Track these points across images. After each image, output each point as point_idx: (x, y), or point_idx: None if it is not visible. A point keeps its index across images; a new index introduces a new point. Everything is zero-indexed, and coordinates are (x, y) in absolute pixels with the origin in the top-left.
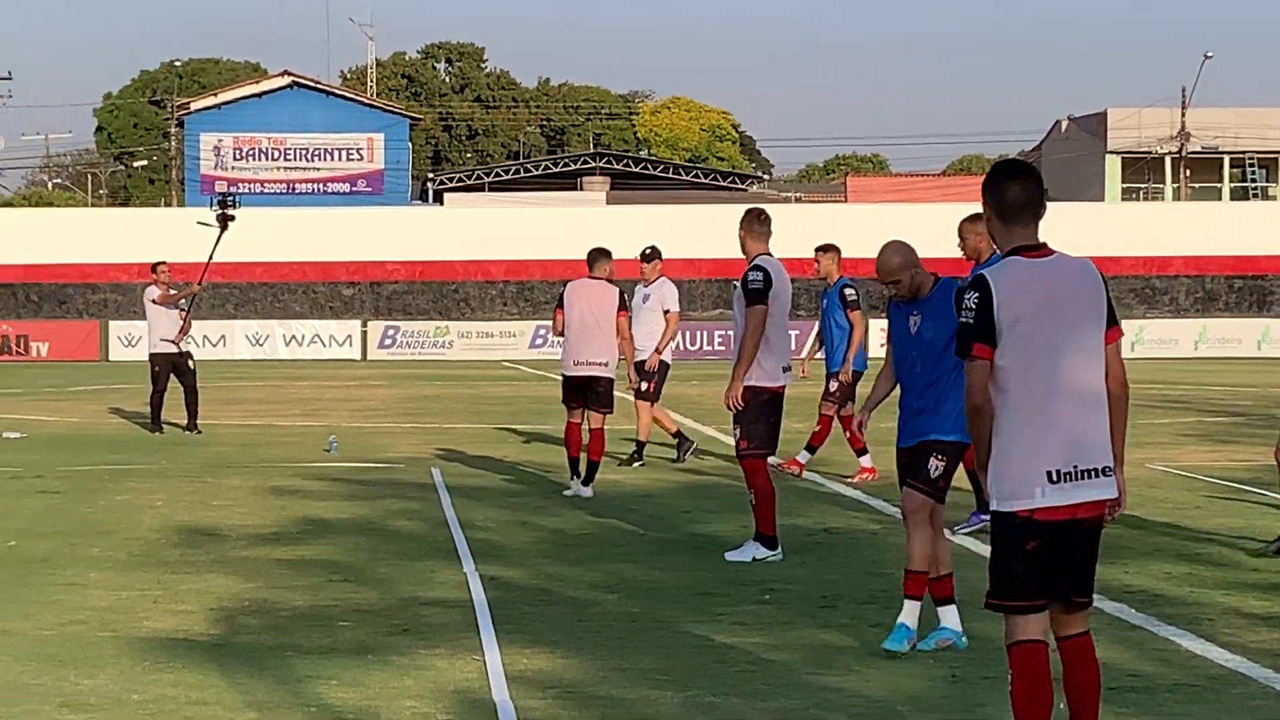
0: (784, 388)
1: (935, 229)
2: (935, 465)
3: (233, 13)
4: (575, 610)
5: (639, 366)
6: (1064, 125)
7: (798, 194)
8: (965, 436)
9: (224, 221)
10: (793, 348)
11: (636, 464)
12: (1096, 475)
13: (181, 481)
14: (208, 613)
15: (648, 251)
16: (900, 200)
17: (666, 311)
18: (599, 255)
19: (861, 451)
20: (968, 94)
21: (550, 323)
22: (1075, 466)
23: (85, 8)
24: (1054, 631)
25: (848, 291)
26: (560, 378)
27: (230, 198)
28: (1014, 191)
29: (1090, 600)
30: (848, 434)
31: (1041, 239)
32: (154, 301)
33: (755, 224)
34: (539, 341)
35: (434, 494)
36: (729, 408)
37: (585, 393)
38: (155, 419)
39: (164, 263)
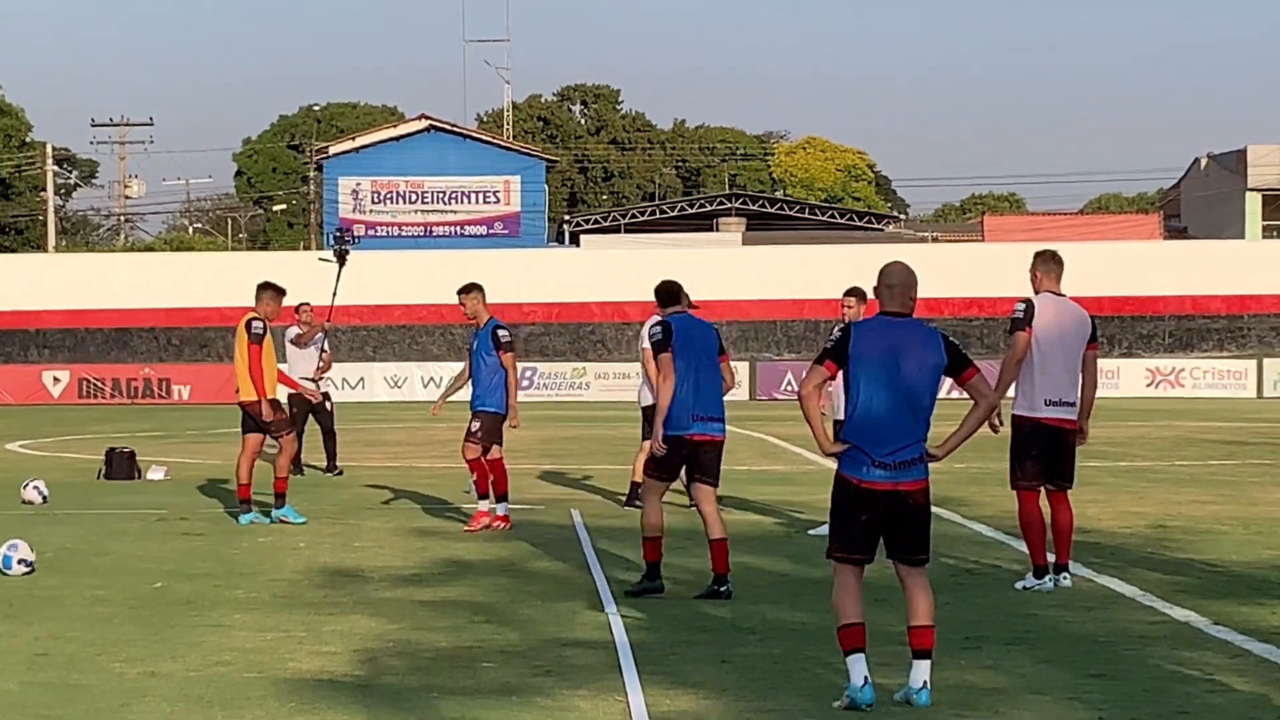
0: (1050, 420)
1: (1073, 267)
2: None
3: (370, 58)
4: (718, 651)
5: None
6: (1203, 163)
7: (934, 233)
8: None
9: (341, 257)
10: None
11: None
12: None
13: (323, 523)
14: (352, 654)
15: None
16: (1037, 239)
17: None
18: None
19: (484, 495)
20: (1105, 132)
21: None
22: None
23: (224, 55)
24: None
25: (501, 333)
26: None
27: (346, 233)
28: None
29: None
30: (478, 476)
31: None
32: (291, 342)
33: (1047, 263)
34: None
35: (574, 535)
36: (993, 430)
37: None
38: (295, 460)
39: (306, 304)
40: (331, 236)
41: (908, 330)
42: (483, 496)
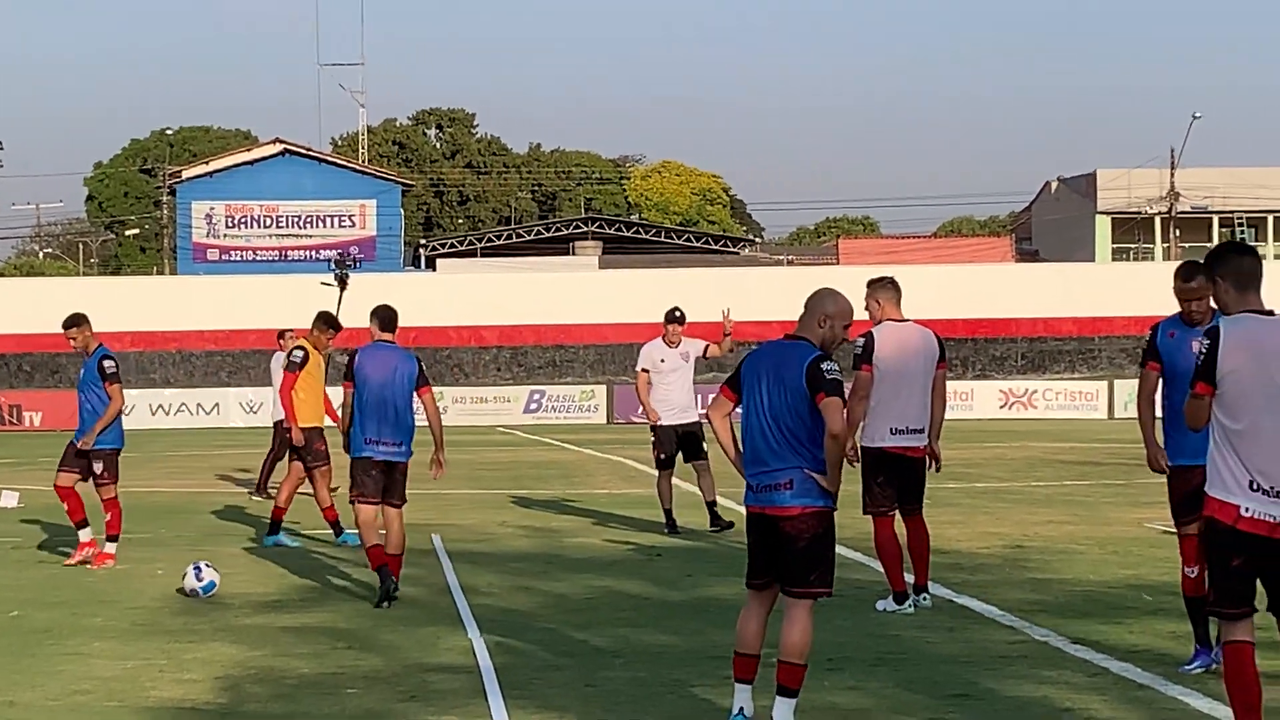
0: (895, 449)
1: (927, 290)
2: None
3: (223, 82)
4: (583, 675)
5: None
6: (1054, 186)
7: (789, 257)
8: None
9: (342, 281)
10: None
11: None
12: None
13: (182, 550)
14: (213, 681)
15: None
16: (891, 262)
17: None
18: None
19: (81, 524)
20: (957, 156)
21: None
22: (1273, 487)
23: (75, 77)
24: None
25: (107, 363)
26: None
27: (346, 256)
28: (1248, 263)
29: None
30: (70, 506)
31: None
32: (284, 368)
33: (885, 289)
34: (533, 406)
35: (435, 560)
36: (851, 464)
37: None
38: (262, 483)
39: (290, 329)
40: (331, 261)
41: (787, 351)
42: (80, 525)
